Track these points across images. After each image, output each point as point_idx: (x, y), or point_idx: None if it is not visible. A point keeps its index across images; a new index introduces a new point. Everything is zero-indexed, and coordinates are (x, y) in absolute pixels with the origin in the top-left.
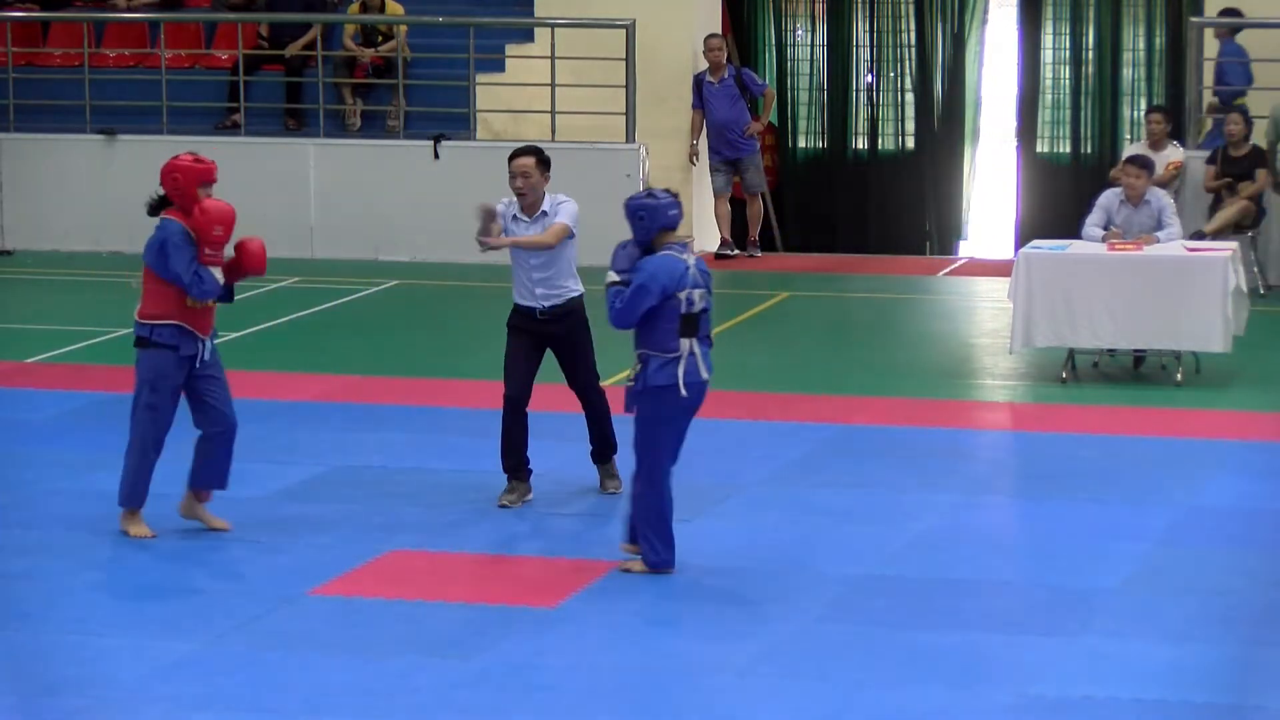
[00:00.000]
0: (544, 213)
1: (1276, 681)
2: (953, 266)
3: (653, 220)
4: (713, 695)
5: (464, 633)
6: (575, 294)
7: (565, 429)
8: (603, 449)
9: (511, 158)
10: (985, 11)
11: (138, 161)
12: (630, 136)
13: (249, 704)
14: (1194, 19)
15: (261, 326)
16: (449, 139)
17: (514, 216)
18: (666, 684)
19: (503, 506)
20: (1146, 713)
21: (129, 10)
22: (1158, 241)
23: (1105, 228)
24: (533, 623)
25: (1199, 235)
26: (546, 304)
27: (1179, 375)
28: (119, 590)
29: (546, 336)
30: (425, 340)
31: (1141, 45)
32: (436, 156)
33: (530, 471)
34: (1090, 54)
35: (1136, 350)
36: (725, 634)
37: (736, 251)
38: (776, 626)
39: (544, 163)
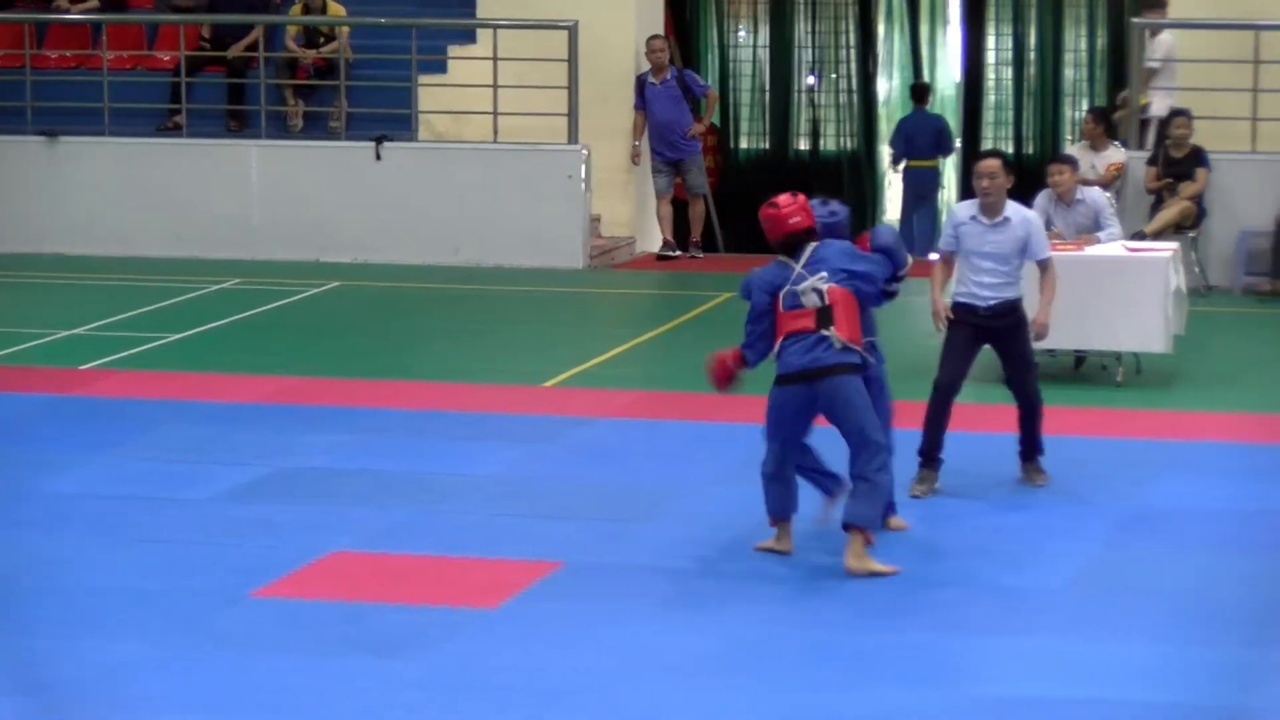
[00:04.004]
0: (1006, 218)
1: (1221, 679)
2: None
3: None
4: (660, 696)
5: (408, 633)
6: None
7: (512, 429)
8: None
9: (978, 159)
10: (939, 12)
11: (80, 163)
12: (573, 138)
13: (193, 705)
14: (1135, 19)
15: (204, 328)
16: (391, 140)
17: (971, 218)
18: (612, 684)
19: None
20: (1092, 711)
21: (71, 11)
22: (1099, 242)
23: (1046, 228)
24: (476, 623)
25: (1140, 236)
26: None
27: (1120, 376)
28: (63, 592)
29: (987, 332)
30: (368, 341)
31: (1084, 46)
32: (378, 157)
33: (941, 461)
34: (1032, 54)
35: (1077, 351)
36: (672, 634)
37: (679, 252)
38: (724, 627)
39: (1008, 165)
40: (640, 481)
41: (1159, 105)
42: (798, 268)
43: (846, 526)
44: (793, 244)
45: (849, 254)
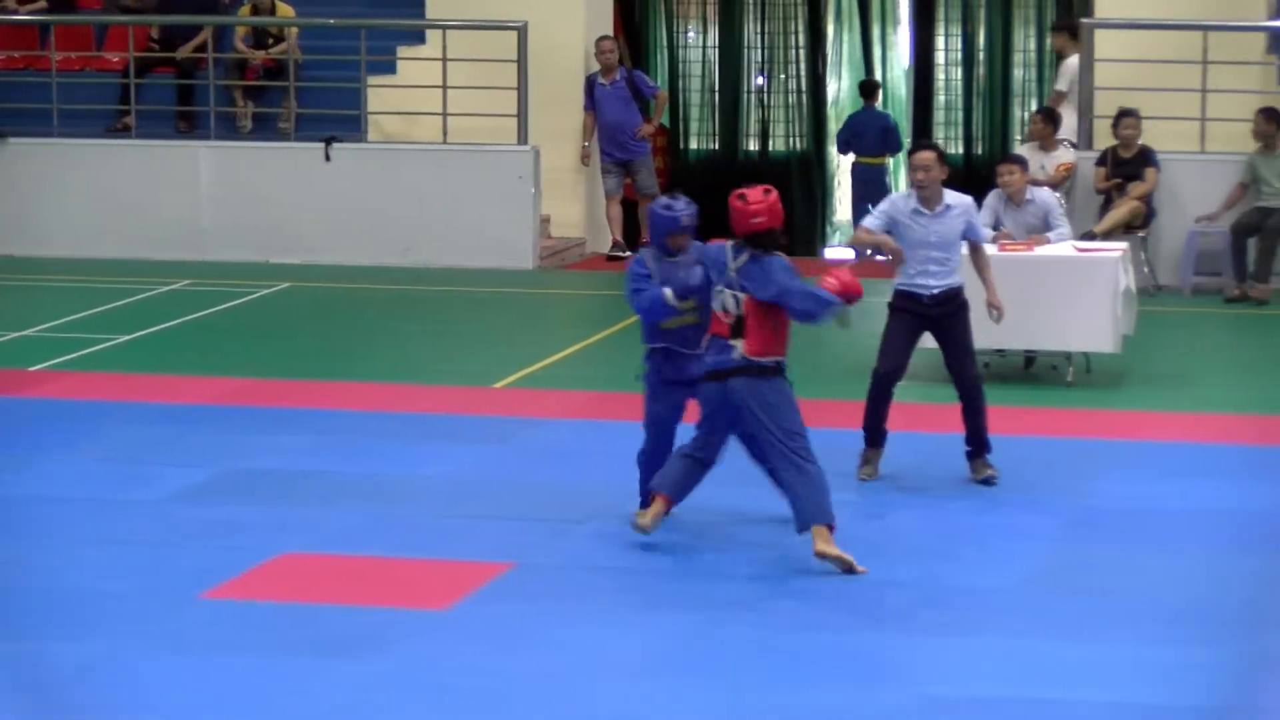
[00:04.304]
0: (947, 206)
1: (1169, 678)
2: (844, 268)
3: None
4: (609, 696)
5: (358, 635)
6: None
7: (463, 430)
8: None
9: (913, 152)
10: (889, 12)
11: (28, 164)
12: (522, 138)
13: (144, 707)
14: (1085, 20)
15: (155, 329)
16: (340, 141)
17: (914, 210)
18: (562, 685)
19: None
20: (1044, 711)
21: (19, 12)
22: (1048, 242)
23: (995, 228)
24: (428, 624)
25: (1089, 236)
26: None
27: (1070, 375)
28: (13, 595)
29: (929, 320)
30: (319, 343)
31: (1033, 46)
32: (328, 158)
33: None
34: (982, 55)
35: (1027, 351)
36: (622, 635)
37: (629, 253)
38: (673, 627)
39: (943, 157)
40: (591, 482)
41: (1067, 128)
42: (732, 268)
43: (804, 529)
44: (758, 242)
45: (784, 275)
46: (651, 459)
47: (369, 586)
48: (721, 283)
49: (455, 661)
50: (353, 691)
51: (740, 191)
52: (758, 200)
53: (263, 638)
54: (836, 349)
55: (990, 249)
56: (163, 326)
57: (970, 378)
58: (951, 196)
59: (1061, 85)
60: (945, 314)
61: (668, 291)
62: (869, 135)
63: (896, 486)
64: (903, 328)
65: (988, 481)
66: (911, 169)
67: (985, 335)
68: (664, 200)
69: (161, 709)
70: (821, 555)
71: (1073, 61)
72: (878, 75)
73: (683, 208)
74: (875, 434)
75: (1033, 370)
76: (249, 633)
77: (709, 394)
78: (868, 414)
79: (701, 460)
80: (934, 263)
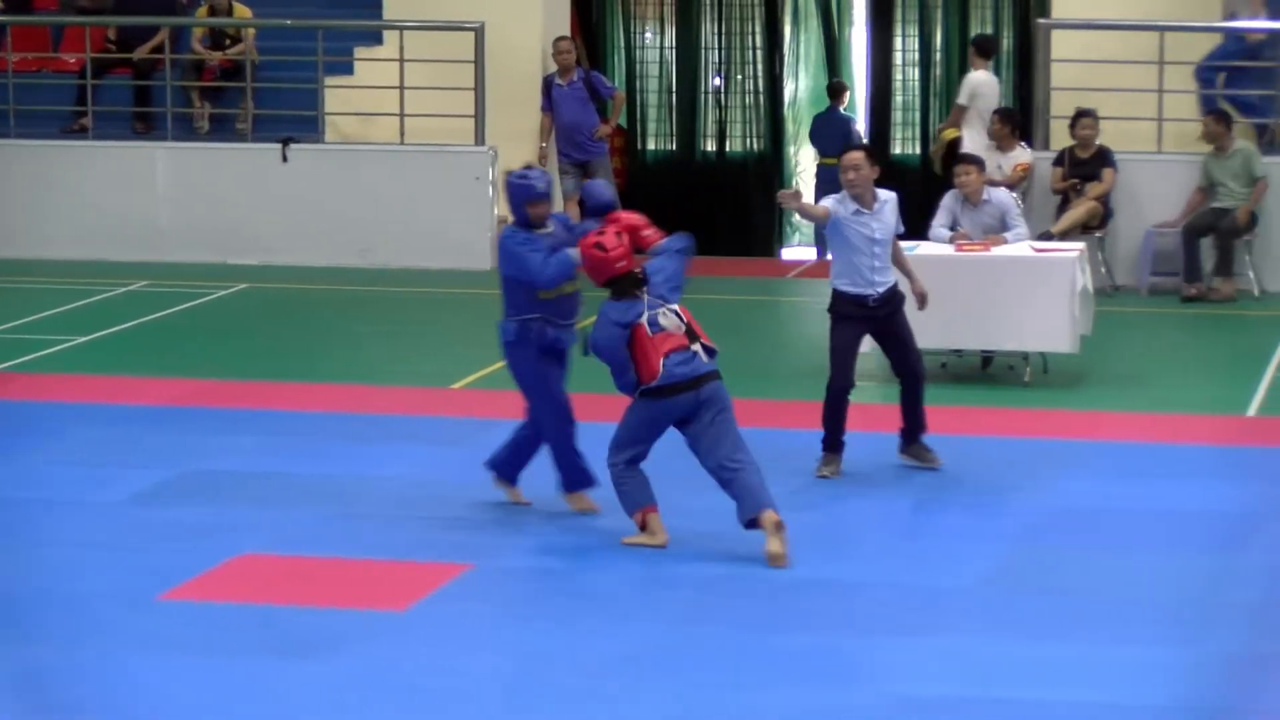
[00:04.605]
0: (883, 203)
1: (1129, 677)
2: (802, 268)
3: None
4: (568, 697)
5: (316, 636)
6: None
7: (420, 431)
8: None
9: (843, 153)
10: (847, 13)
11: None
12: (480, 139)
13: (103, 708)
14: (1041, 20)
15: (112, 330)
16: (298, 142)
17: (855, 212)
18: (520, 686)
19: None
20: (1000, 711)
21: None
22: (1006, 242)
23: (952, 228)
24: (387, 626)
25: (1046, 236)
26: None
27: (1027, 375)
28: None
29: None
30: (277, 344)
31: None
32: (285, 159)
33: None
34: (938, 55)
35: (984, 351)
36: (580, 636)
37: None
38: (633, 628)
39: (873, 157)
40: (549, 483)
41: (970, 142)
42: (646, 299)
43: (754, 521)
44: (621, 285)
45: (666, 270)
46: (560, 432)
47: (327, 588)
48: (644, 316)
49: (414, 663)
50: (311, 692)
51: (595, 241)
52: (615, 246)
53: (221, 639)
54: (797, 352)
55: (947, 249)
56: (120, 328)
57: (915, 363)
58: (883, 194)
59: (962, 99)
60: (889, 313)
61: (574, 252)
62: (832, 136)
63: (856, 487)
64: (850, 335)
65: (927, 466)
66: (842, 170)
67: (943, 335)
68: (517, 171)
69: (120, 710)
70: (773, 555)
71: (974, 76)
72: (832, 77)
73: (538, 176)
74: (834, 442)
75: (990, 370)
76: (207, 634)
77: (682, 404)
78: (826, 424)
79: (640, 465)
80: (878, 259)
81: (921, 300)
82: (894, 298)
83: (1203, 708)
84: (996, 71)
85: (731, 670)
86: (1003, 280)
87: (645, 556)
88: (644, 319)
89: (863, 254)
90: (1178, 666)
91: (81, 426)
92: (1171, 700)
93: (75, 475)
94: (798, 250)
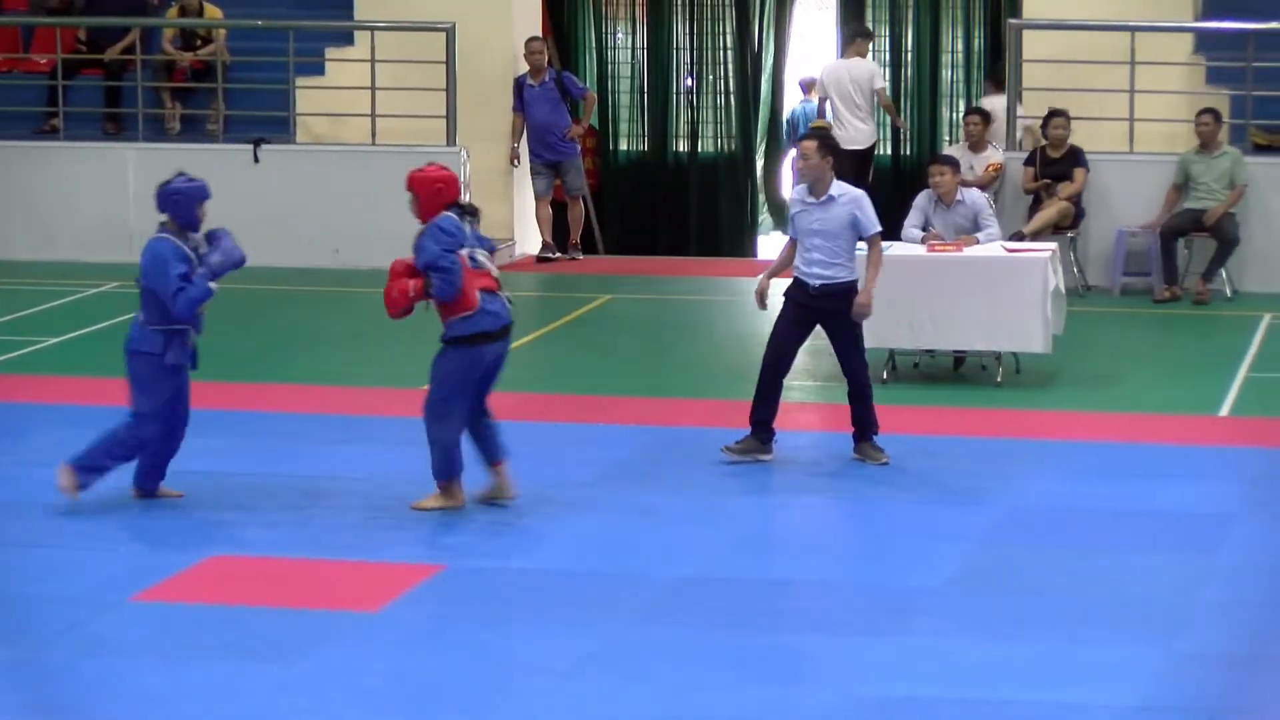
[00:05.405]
0: (831, 196)
1: (1097, 677)
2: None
3: None
4: (537, 698)
5: (286, 637)
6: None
7: (390, 432)
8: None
9: (799, 141)
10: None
11: None
12: (451, 139)
13: (71, 711)
14: (1012, 20)
15: (81, 331)
16: (269, 142)
17: (802, 199)
18: (490, 687)
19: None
20: (968, 712)
21: None
22: (978, 242)
23: (924, 229)
24: (355, 627)
25: (1018, 236)
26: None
27: (999, 375)
28: None
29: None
30: (247, 345)
31: (960, 47)
32: (256, 160)
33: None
34: (910, 55)
35: (957, 351)
36: (549, 636)
37: (558, 254)
38: (601, 628)
39: (828, 146)
40: (521, 484)
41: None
42: (468, 232)
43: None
44: (467, 208)
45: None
46: (164, 442)
47: (299, 589)
48: (465, 247)
49: (386, 664)
50: (283, 694)
51: (424, 173)
52: (442, 168)
53: (193, 640)
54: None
55: (919, 249)
56: (91, 329)
57: (857, 371)
58: (839, 188)
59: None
60: (833, 309)
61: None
62: (803, 131)
63: (822, 487)
64: (789, 317)
65: (874, 463)
66: (795, 157)
67: (915, 335)
68: (180, 176)
69: (92, 711)
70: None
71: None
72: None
73: (198, 178)
74: (757, 424)
75: (962, 371)
76: (179, 636)
77: (498, 352)
78: (756, 399)
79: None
80: (819, 251)
81: (856, 310)
82: (839, 294)
83: (1173, 708)
84: (967, 72)
85: (700, 670)
86: (975, 280)
87: (615, 557)
88: (467, 249)
89: (801, 241)
90: (1148, 667)
91: (52, 428)
92: (1141, 700)
93: (45, 477)
94: (774, 238)
